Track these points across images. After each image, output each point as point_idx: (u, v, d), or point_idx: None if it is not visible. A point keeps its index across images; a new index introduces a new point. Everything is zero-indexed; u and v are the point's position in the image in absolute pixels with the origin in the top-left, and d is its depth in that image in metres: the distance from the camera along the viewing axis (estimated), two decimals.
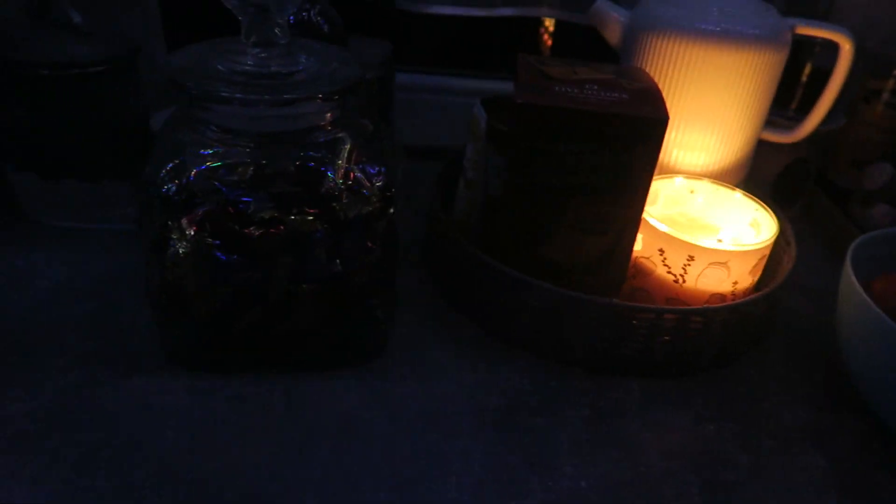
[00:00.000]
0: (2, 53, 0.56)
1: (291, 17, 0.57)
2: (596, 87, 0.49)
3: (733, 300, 0.53)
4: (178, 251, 0.44)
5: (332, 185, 0.44)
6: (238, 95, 0.40)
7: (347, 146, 0.45)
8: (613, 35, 0.62)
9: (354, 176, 0.45)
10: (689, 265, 0.51)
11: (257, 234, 0.43)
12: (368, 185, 0.46)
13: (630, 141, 0.47)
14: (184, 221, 0.43)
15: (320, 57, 0.45)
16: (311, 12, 0.57)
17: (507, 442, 0.46)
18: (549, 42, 0.97)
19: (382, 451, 0.44)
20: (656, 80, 0.55)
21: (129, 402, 0.45)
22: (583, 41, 0.88)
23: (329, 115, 0.44)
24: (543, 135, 0.48)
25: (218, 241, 0.43)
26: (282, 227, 0.43)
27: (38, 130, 0.59)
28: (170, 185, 0.43)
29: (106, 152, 0.62)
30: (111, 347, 0.50)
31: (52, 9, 0.58)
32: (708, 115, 0.60)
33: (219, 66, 0.42)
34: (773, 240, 0.53)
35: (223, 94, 0.40)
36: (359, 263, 0.45)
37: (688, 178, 0.59)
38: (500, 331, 0.55)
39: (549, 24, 0.95)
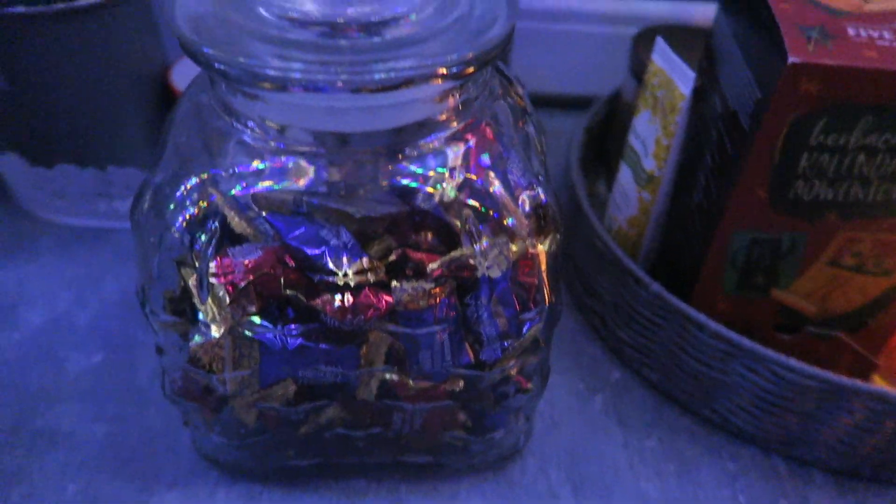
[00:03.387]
0: None
1: None
2: None
3: None
4: (207, 327, 0.26)
5: (459, 221, 0.25)
6: (296, 74, 0.21)
7: (473, 150, 0.26)
8: None
9: (492, 196, 0.26)
10: None
11: (337, 307, 0.25)
12: (515, 209, 0.27)
13: None
14: (215, 282, 0.25)
15: None
16: None
17: None
18: None
19: None
20: None
21: None
22: None
23: (452, 100, 0.25)
24: (828, 118, 0.27)
25: (272, 322, 0.25)
26: (382, 298, 0.25)
27: (17, 97, 0.41)
28: (189, 218, 0.25)
29: (111, 124, 0.44)
30: (122, 437, 0.34)
31: None
32: None
33: (260, 10, 0.23)
34: None
35: (270, 71, 0.21)
36: (501, 350, 0.27)
37: None
38: (694, 406, 0.36)
39: None
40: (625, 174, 0.39)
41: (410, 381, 0.27)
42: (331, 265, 0.24)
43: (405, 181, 0.25)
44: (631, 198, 0.38)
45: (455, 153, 0.26)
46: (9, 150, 0.43)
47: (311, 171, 0.25)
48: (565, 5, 0.56)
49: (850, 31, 0.27)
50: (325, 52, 0.22)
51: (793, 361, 0.31)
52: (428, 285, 0.25)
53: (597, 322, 0.41)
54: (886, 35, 0.27)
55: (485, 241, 0.25)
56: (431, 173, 0.25)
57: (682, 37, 0.46)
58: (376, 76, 0.21)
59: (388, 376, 0.28)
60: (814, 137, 0.28)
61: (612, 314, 0.39)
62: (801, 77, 0.26)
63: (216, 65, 0.21)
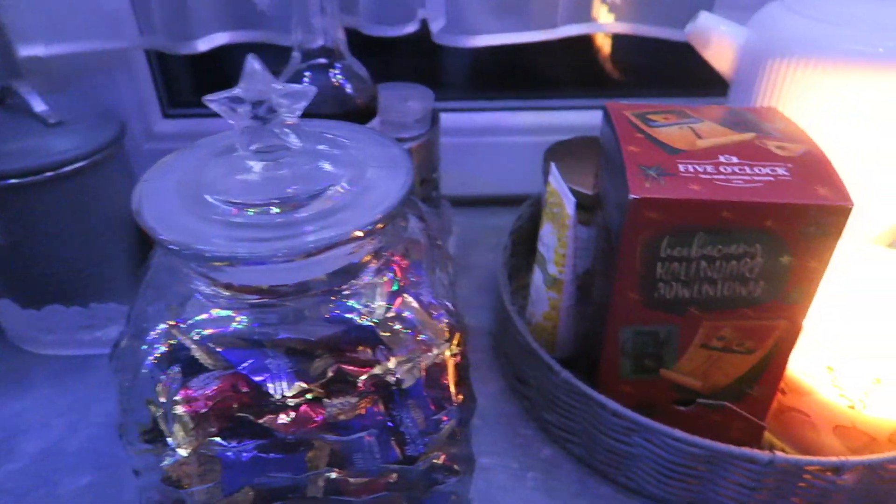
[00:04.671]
0: None
1: (307, 79, 0.45)
2: (736, 160, 0.35)
3: None
4: (175, 450, 0.32)
5: (380, 345, 0.31)
6: (241, 253, 0.27)
7: (391, 281, 0.33)
8: (723, 60, 0.47)
9: (407, 318, 0.32)
10: (874, 390, 0.37)
11: (281, 423, 0.31)
12: (432, 324, 0.33)
13: (799, 238, 0.33)
14: (181, 410, 0.31)
15: (348, 153, 0.32)
16: (332, 73, 0.44)
17: None
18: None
19: None
20: (798, 124, 0.40)
21: None
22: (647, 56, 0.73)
23: (371, 245, 0.31)
24: (669, 236, 0.34)
25: (228, 440, 0.31)
26: (318, 412, 0.31)
27: (9, 251, 0.48)
28: (159, 356, 0.31)
29: (94, 266, 0.50)
30: None
31: (6, 99, 0.47)
32: (881, 173, 0.44)
33: (207, 197, 0.30)
34: None
35: (217, 253, 0.27)
36: (423, 445, 0.33)
37: None
38: (612, 475, 0.42)
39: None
40: (537, 275, 0.46)
41: (350, 479, 0.33)
42: (271, 390, 0.30)
43: (339, 313, 0.31)
44: (542, 296, 0.45)
45: (375, 287, 0.32)
46: (2, 297, 0.49)
47: (258, 315, 0.31)
48: (493, 121, 0.64)
49: (681, 168, 0.34)
50: (264, 229, 0.28)
51: (678, 432, 0.37)
52: (354, 399, 0.31)
53: (527, 405, 0.46)
54: (709, 168, 0.34)
55: (396, 360, 0.31)
56: (357, 305, 0.31)
57: (590, 147, 0.54)
58: (308, 246, 0.27)
59: (331, 476, 0.33)
60: (662, 251, 0.34)
61: (538, 398, 0.44)
62: (642, 208, 0.33)
63: (171, 247, 0.28)
